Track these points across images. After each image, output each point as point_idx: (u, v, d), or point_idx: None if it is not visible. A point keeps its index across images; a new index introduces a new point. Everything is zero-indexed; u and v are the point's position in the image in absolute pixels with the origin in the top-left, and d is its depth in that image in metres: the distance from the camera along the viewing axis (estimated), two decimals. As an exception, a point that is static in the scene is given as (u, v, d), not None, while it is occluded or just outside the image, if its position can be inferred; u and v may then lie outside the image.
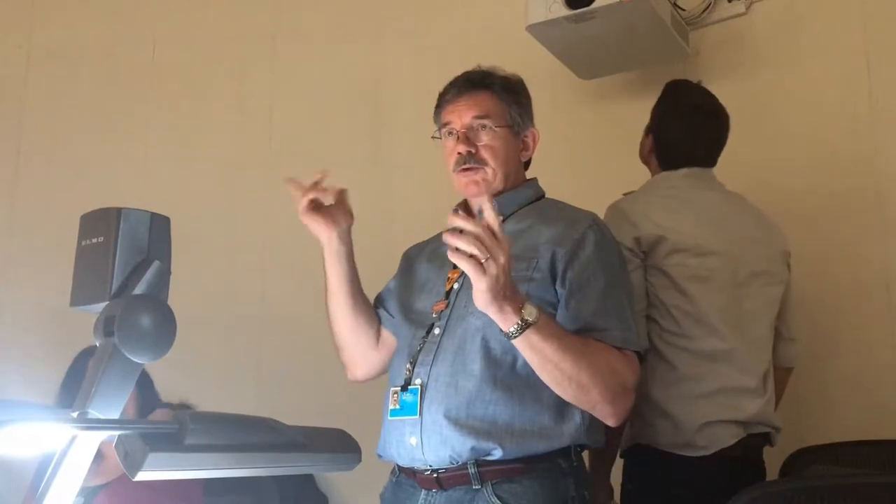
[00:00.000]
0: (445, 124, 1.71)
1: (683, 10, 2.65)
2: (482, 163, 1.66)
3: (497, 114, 1.69)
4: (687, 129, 2.12)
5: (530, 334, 1.38)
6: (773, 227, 2.16)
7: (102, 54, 3.72)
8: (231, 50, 3.51)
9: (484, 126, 1.67)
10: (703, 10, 2.69)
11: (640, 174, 2.22)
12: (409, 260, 1.82)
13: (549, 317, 1.43)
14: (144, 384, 2.10)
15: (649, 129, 2.20)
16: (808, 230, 2.47)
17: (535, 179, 1.77)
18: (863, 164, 2.47)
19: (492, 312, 1.37)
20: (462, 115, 1.68)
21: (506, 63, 2.51)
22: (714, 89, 2.23)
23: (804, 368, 2.37)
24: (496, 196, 1.62)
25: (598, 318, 1.49)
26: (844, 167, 2.50)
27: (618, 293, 1.55)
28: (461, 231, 1.33)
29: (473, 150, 1.65)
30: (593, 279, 1.53)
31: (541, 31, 2.43)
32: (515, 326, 1.37)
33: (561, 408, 1.49)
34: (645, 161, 2.22)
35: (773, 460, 2.06)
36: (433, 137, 1.75)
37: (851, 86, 2.52)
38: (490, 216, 1.33)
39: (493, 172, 1.67)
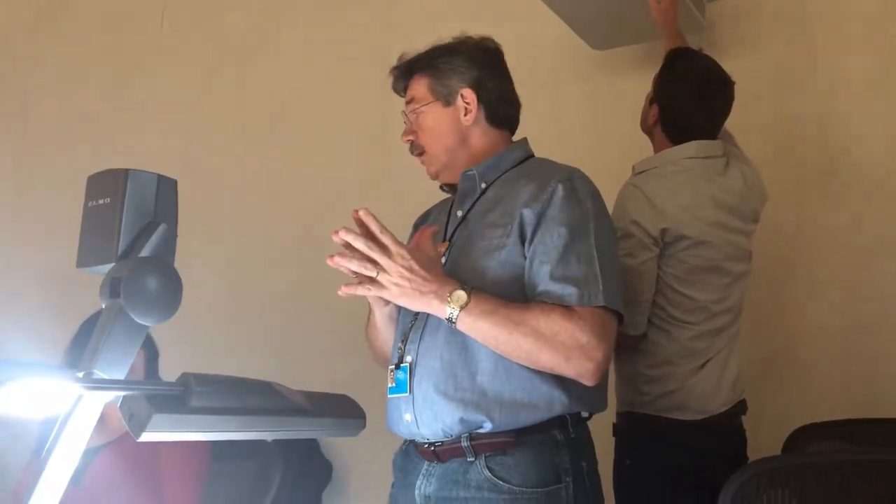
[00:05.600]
0: None
1: (699, -20, 2.61)
2: (421, 148, 1.68)
3: (421, 94, 1.68)
4: (697, 101, 2.10)
5: (464, 317, 1.41)
6: (755, 184, 2.15)
7: (110, 24, 3.70)
8: (240, 16, 3.48)
9: (413, 111, 1.69)
10: (720, -19, 2.65)
11: (650, 146, 2.21)
12: (416, 230, 1.81)
13: (482, 295, 1.42)
14: (152, 357, 2.11)
15: (653, 99, 2.17)
16: (822, 202, 2.45)
17: (522, 141, 1.72)
18: (882, 139, 2.45)
19: (421, 309, 1.43)
20: (405, 107, 1.71)
21: (518, 32, 2.50)
22: (727, 62, 2.20)
23: (804, 344, 2.37)
24: (465, 172, 1.63)
25: (554, 282, 1.45)
26: (860, 142, 2.48)
27: (583, 247, 1.47)
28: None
29: (413, 138, 1.68)
30: (556, 238, 1.47)
31: (554, -1, 2.41)
32: (447, 315, 1.41)
33: (551, 376, 1.47)
34: (648, 131, 2.20)
35: (771, 436, 2.07)
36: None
37: (866, 62, 2.49)
38: (371, 224, 1.37)
39: (432, 154, 1.67)
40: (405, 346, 1.56)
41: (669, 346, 2.00)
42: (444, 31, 1.70)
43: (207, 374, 0.86)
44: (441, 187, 1.75)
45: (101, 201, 0.92)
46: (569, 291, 1.44)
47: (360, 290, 1.42)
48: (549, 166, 1.62)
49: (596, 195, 1.56)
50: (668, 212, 1.97)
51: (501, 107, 1.69)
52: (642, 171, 2.08)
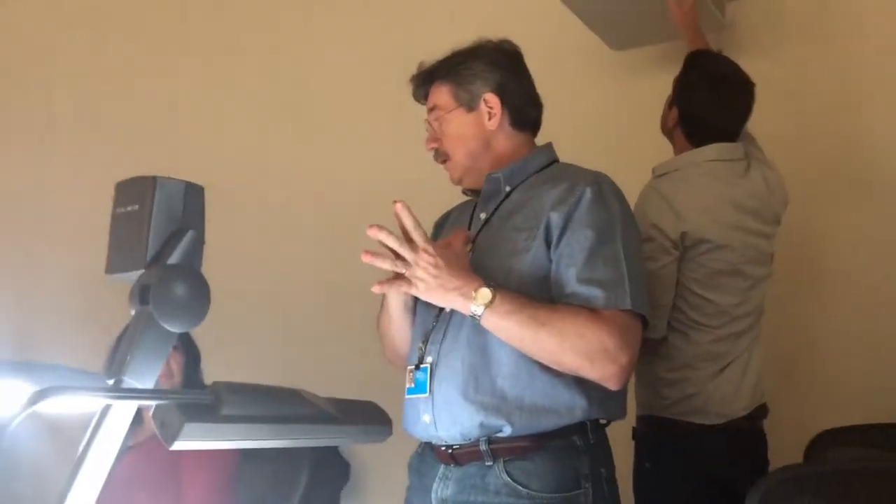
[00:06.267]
0: None
1: (720, -21, 2.59)
2: (446, 155, 1.69)
3: (444, 101, 1.68)
4: (717, 104, 2.09)
5: (489, 316, 1.41)
6: (777, 187, 2.14)
7: (131, 18, 3.72)
8: (262, 13, 3.49)
9: (437, 119, 1.69)
10: (741, -19, 2.63)
11: (670, 148, 2.20)
12: (437, 231, 1.82)
13: (507, 294, 1.42)
14: (193, 360, 2.13)
15: (673, 102, 2.16)
16: (844, 203, 2.43)
17: (547, 145, 1.72)
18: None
19: (446, 305, 1.46)
20: (427, 114, 1.71)
21: (538, 33, 2.49)
22: (748, 62, 2.19)
23: (826, 347, 2.36)
24: (489, 175, 1.63)
25: (581, 285, 1.45)
26: (881, 145, 2.46)
27: (609, 250, 1.47)
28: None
29: (437, 145, 1.69)
30: (583, 241, 1.47)
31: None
32: (471, 311, 1.41)
33: (572, 380, 1.46)
34: (668, 134, 2.19)
35: (792, 440, 2.06)
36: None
37: (891, 62, 2.47)
38: (406, 221, 1.41)
39: (457, 160, 1.68)
40: (426, 346, 1.56)
41: (689, 349, 1.99)
42: (464, 33, 1.70)
43: (237, 382, 0.86)
44: (464, 191, 1.75)
45: (129, 208, 0.92)
46: (595, 294, 1.44)
47: (392, 288, 1.45)
48: (575, 170, 1.62)
49: (623, 199, 1.57)
50: (688, 215, 1.96)
51: (525, 110, 1.69)
52: (662, 174, 2.07)
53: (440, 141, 1.69)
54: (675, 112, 2.13)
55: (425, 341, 1.57)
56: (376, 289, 1.46)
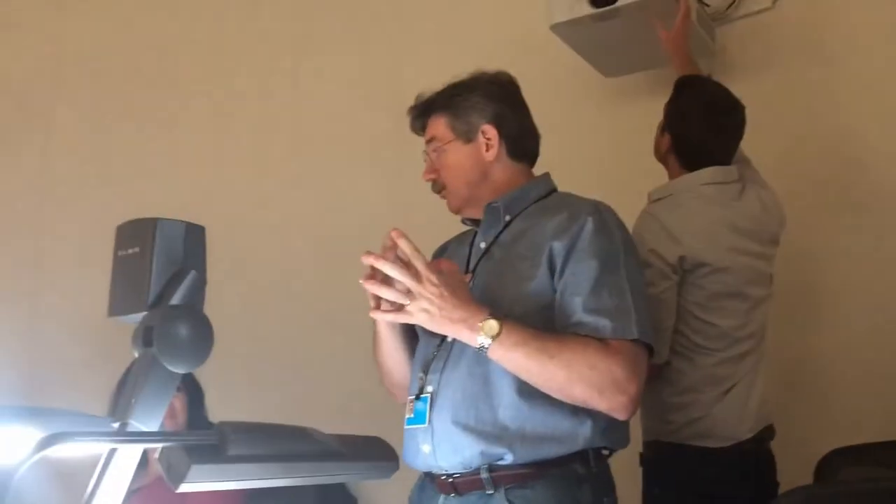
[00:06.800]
0: None
1: (709, 5, 2.63)
2: (444, 185, 1.69)
3: (441, 132, 1.69)
4: (708, 128, 2.11)
5: (496, 348, 1.39)
6: (773, 207, 2.14)
7: (128, 61, 3.75)
8: (254, 53, 3.53)
9: (435, 150, 1.70)
10: (729, 6, 2.66)
11: (664, 173, 2.21)
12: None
13: (514, 325, 1.40)
14: (197, 399, 2.12)
15: (665, 128, 2.17)
16: (842, 222, 2.44)
17: (545, 175, 1.73)
18: (894, 160, 2.44)
19: (450, 335, 1.43)
20: (425, 145, 1.72)
21: (530, 62, 2.51)
22: (740, 85, 2.21)
23: (832, 366, 2.35)
24: (489, 204, 1.63)
25: (588, 314, 1.44)
26: (875, 164, 2.47)
27: (614, 279, 1.47)
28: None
29: (435, 176, 1.70)
30: (586, 270, 1.47)
31: (565, 30, 2.43)
32: (478, 344, 1.39)
33: (574, 409, 1.45)
34: (662, 159, 2.20)
35: (800, 460, 2.05)
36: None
37: (881, 81, 2.49)
38: (405, 247, 1.38)
39: (454, 190, 1.68)
40: (426, 375, 1.56)
41: (693, 373, 1.98)
42: (456, 67, 1.72)
43: (242, 421, 0.86)
44: (463, 221, 1.75)
45: (130, 251, 0.92)
46: (603, 324, 1.44)
47: (391, 317, 1.43)
48: (574, 200, 1.63)
49: (623, 227, 1.58)
50: (685, 240, 1.97)
51: (522, 140, 1.70)
52: (658, 199, 2.08)
53: (438, 172, 1.70)
54: (667, 138, 2.15)
55: (426, 371, 1.56)
56: (377, 315, 1.44)
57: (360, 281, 1.37)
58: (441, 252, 1.81)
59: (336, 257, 3.00)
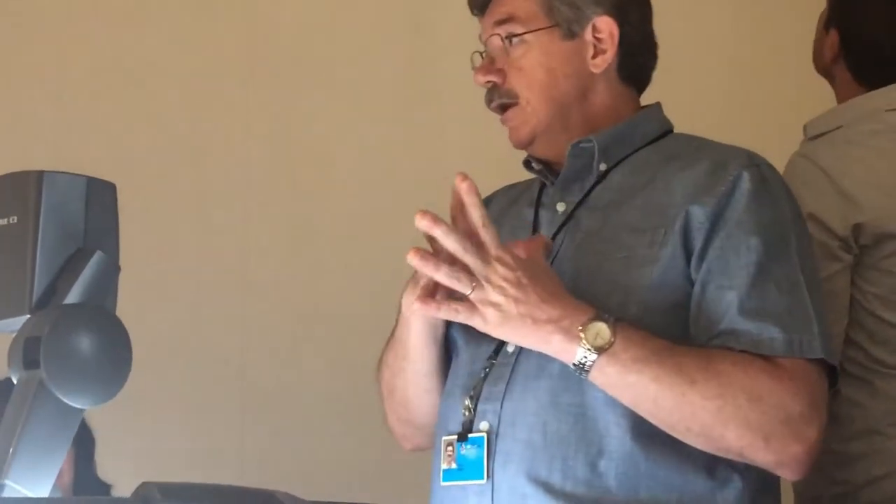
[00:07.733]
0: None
1: None
2: (511, 96, 1.23)
3: (527, 11, 1.22)
4: None
5: (604, 366, 1.03)
6: None
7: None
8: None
9: (509, 36, 1.24)
10: None
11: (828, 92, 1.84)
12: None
13: (634, 332, 1.05)
14: (85, 448, 1.68)
15: (830, 22, 1.75)
16: None
17: (655, 105, 1.30)
18: None
19: (531, 346, 1.06)
20: (485, 27, 1.27)
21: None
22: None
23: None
24: (577, 143, 1.24)
25: (747, 319, 1.10)
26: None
27: (785, 270, 1.13)
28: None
29: (498, 80, 1.23)
30: (745, 253, 1.12)
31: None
32: (577, 359, 1.03)
33: (713, 462, 1.11)
34: (824, 71, 1.78)
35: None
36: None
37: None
38: (474, 212, 1.00)
39: (532, 107, 1.23)
40: (476, 405, 1.16)
41: (874, 405, 1.61)
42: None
43: (174, 483, 0.68)
44: (527, 163, 1.32)
45: (5, 221, 0.74)
46: (772, 334, 1.08)
47: (445, 313, 1.06)
48: (713, 145, 1.25)
49: (790, 194, 1.21)
50: (864, 198, 1.59)
51: (641, 53, 1.28)
52: (819, 135, 1.69)
53: (504, 73, 1.27)
54: (833, 37, 1.72)
55: (475, 396, 1.16)
56: (417, 306, 1.05)
57: (411, 258, 0.98)
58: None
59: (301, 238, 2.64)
